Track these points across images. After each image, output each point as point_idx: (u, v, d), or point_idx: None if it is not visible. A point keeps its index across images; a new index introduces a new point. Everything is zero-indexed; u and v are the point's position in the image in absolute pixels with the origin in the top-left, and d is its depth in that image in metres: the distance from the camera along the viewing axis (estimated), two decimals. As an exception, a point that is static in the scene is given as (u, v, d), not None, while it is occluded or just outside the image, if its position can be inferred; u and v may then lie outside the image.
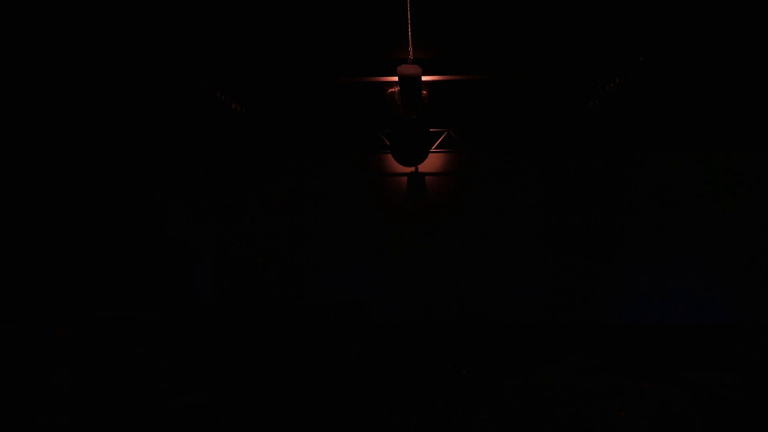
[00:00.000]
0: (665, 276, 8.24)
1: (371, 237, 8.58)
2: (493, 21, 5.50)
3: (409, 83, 5.08)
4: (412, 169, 8.61)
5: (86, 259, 8.10)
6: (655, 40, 5.52)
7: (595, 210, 8.38)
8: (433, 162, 8.62)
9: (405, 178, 8.62)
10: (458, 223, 8.52)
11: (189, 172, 8.72)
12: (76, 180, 8.70)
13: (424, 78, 5.24)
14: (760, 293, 8.13)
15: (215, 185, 8.74)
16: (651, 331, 8.11)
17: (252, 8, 5.20)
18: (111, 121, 7.88)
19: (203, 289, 8.41)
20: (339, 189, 8.66)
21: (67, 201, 8.62)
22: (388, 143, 8.35)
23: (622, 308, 8.26)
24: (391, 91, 6.57)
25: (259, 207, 8.67)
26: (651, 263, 8.27)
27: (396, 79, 5.21)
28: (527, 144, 8.44)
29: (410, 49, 5.01)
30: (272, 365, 5.97)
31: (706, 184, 8.30)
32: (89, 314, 5.12)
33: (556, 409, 4.33)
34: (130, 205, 8.66)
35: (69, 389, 4.83)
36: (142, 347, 5.08)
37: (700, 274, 8.22)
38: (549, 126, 8.19)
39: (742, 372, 5.31)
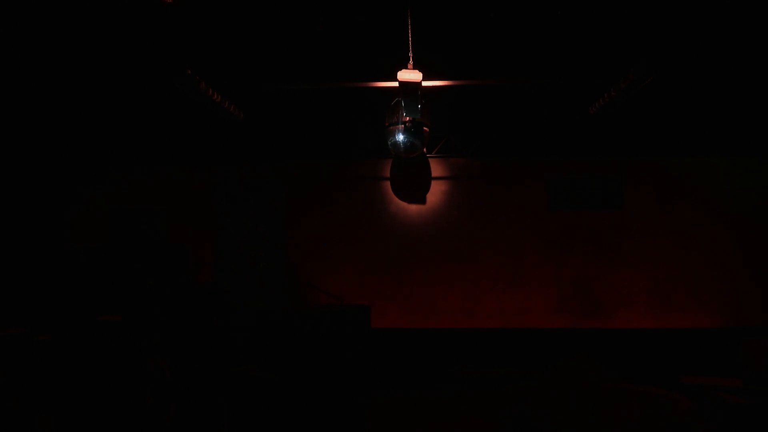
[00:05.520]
0: (666, 280, 8.24)
1: (370, 241, 8.57)
2: (494, 27, 5.52)
3: (410, 88, 5.08)
4: (412, 175, 8.63)
5: (77, 263, 8.10)
6: (655, 45, 5.54)
7: (596, 214, 8.38)
8: (432, 167, 8.63)
9: (406, 184, 8.63)
10: (459, 228, 8.52)
11: (187, 175, 8.74)
12: (68, 183, 8.75)
13: (424, 83, 5.25)
14: (761, 298, 8.12)
15: (211, 189, 8.74)
16: (652, 336, 8.10)
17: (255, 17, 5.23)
18: (99, 123, 7.89)
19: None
20: (337, 193, 8.66)
21: (57, 204, 8.66)
22: (393, 153, 8.30)
23: (624, 312, 8.25)
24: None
25: (256, 211, 8.67)
26: (652, 267, 8.27)
27: (394, 87, 5.25)
28: (527, 148, 8.45)
29: (410, 54, 5.02)
30: (272, 369, 5.96)
31: (707, 189, 8.31)
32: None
33: (559, 413, 4.32)
34: (124, 208, 8.69)
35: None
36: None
37: (702, 277, 8.21)
38: (549, 130, 8.19)
39: (743, 377, 5.31)
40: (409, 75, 4.86)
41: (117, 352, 5.57)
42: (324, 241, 8.60)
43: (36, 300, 7.50)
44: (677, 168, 8.37)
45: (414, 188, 8.63)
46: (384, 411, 6.69)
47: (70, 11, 5.01)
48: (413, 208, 8.61)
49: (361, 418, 6.09)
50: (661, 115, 7.69)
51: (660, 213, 8.33)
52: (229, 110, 6.54)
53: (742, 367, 5.28)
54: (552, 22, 5.38)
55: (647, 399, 4.27)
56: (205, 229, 8.67)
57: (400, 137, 6.66)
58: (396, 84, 5.08)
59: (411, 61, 5.01)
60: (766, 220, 8.21)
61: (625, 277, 8.29)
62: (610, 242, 8.35)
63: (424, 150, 7.80)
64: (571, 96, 7.22)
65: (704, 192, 8.32)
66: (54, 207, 8.70)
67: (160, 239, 8.62)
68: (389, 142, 6.87)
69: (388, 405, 6.97)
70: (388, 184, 8.66)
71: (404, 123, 6.49)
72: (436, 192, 8.61)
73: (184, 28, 5.38)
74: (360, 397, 6.25)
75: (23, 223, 8.46)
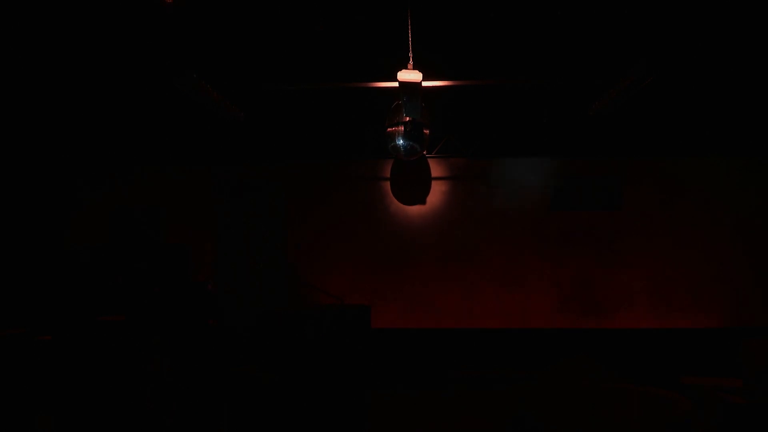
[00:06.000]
0: (666, 280, 8.24)
1: (371, 241, 8.57)
2: (494, 27, 5.52)
3: (410, 88, 5.08)
4: (412, 175, 8.63)
5: (77, 262, 8.10)
6: (655, 45, 5.54)
7: (596, 214, 8.38)
8: (432, 167, 8.63)
9: (406, 184, 8.63)
10: (459, 228, 8.52)
11: (187, 175, 8.73)
12: (68, 183, 8.75)
13: (424, 83, 5.25)
14: (761, 298, 8.13)
15: (211, 189, 8.74)
16: (652, 336, 8.10)
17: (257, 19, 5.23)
18: (100, 123, 7.89)
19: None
20: (338, 193, 8.66)
21: (57, 204, 8.67)
22: (394, 155, 8.31)
23: (624, 312, 8.25)
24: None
25: (256, 211, 8.67)
26: (652, 267, 8.27)
27: (392, 89, 5.26)
28: (527, 148, 8.44)
29: (410, 54, 5.02)
30: (272, 369, 5.96)
31: (707, 189, 8.31)
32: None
33: (559, 413, 4.33)
34: (124, 208, 8.68)
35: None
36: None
37: (702, 277, 8.22)
38: (549, 131, 8.18)
39: (743, 377, 5.31)
40: (409, 75, 4.86)
41: (117, 352, 5.57)
42: (324, 241, 8.60)
43: (36, 300, 7.50)
44: (677, 168, 8.37)
45: (414, 188, 8.63)
46: (384, 410, 6.70)
47: (71, 11, 5.01)
48: (413, 208, 8.61)
49: (361, 418, 6.10)
50: (661, 115, 7.69)
51: (660, 213, 8.33)
52: (229, 110, 6.54)
53: (742, 367, 5.27)
54: (552, 22, 5.39)
55: (647, 399, 4.28)
56: (205, 229, 8.67)
57: (401, 141, 6.69)
58: (396, 84, 5.08)
59: (411, 61, 5.01)
60: (766, 220, 8.22)
61: (625, 277, 8.29)
62: (610, 242, 8.35)
63: (425, 151, 7.82)
64: (571, 96, 7.22)
65: (704, 192, 8.32)
66: (54, 207, 8.71)
67: (160, 239, 8.62)
68: (390, 146, 6.88)
69: (388, 404, 6.98)
70: (388, 185, 8.66)
71: (404, 124, 6.50)
72: (436, 192, 8.61)
73: (184, 28, 5.38)
74: (360, 396, 6.25)
75: (23, 223, 8.46)
